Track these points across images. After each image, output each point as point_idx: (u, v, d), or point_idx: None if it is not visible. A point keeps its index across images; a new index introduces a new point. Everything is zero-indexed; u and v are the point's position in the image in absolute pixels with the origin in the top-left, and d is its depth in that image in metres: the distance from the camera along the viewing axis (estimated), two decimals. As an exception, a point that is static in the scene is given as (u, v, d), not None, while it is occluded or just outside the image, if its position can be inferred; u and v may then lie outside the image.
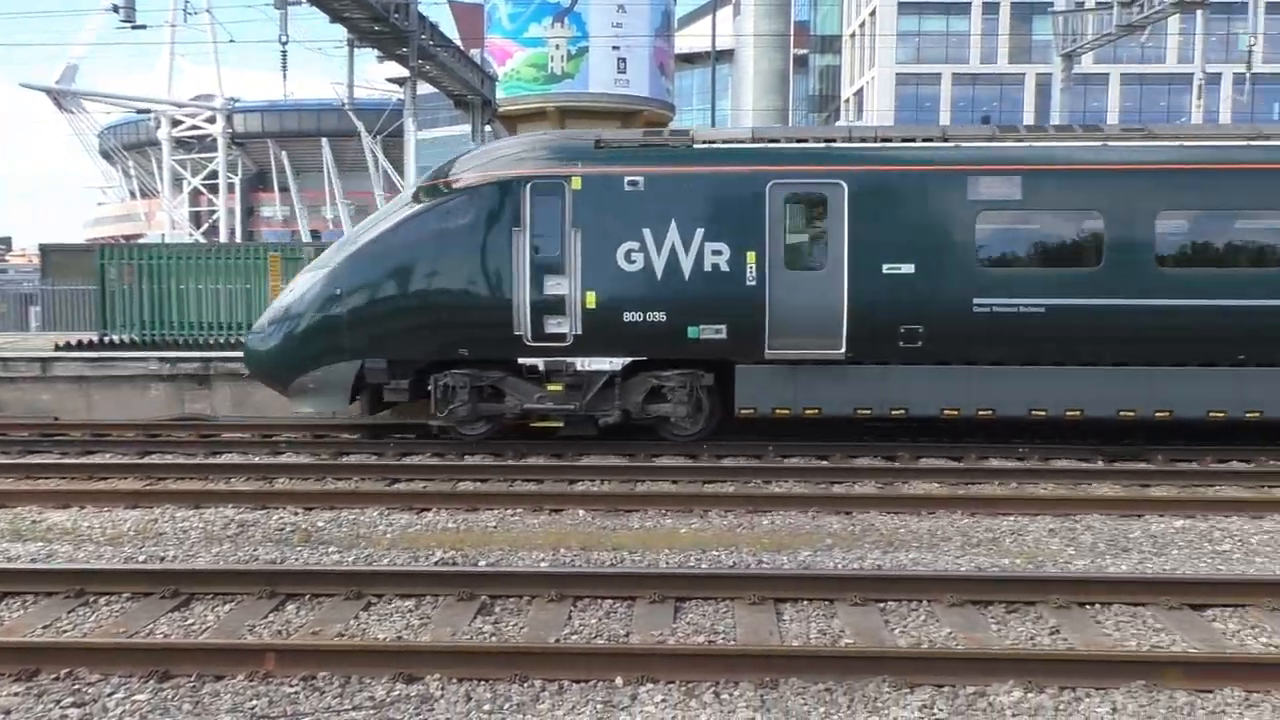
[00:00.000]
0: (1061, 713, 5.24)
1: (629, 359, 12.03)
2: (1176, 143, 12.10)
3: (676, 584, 7.02)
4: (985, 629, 6.46)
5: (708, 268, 11.76)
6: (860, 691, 5.47)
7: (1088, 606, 6.81)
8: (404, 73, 25.40)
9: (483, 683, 5.61)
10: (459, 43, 31.97)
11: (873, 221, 11.71)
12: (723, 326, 11.79)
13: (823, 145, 12.25)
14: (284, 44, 21.61)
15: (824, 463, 11.76)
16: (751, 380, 12.00)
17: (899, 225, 11.73)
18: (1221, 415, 11.70)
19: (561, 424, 12.65)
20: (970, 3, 58.64)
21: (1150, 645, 6.23)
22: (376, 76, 67.40)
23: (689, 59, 66.90)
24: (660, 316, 11.77)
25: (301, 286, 12.37)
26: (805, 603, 6.88)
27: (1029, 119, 58.49)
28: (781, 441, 12.40)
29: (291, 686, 5.59)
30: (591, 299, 11.77)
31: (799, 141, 12.38)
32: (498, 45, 40.75)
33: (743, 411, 12.08)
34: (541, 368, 12.05)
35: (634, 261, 11.79)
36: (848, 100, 67.03)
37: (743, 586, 6.97)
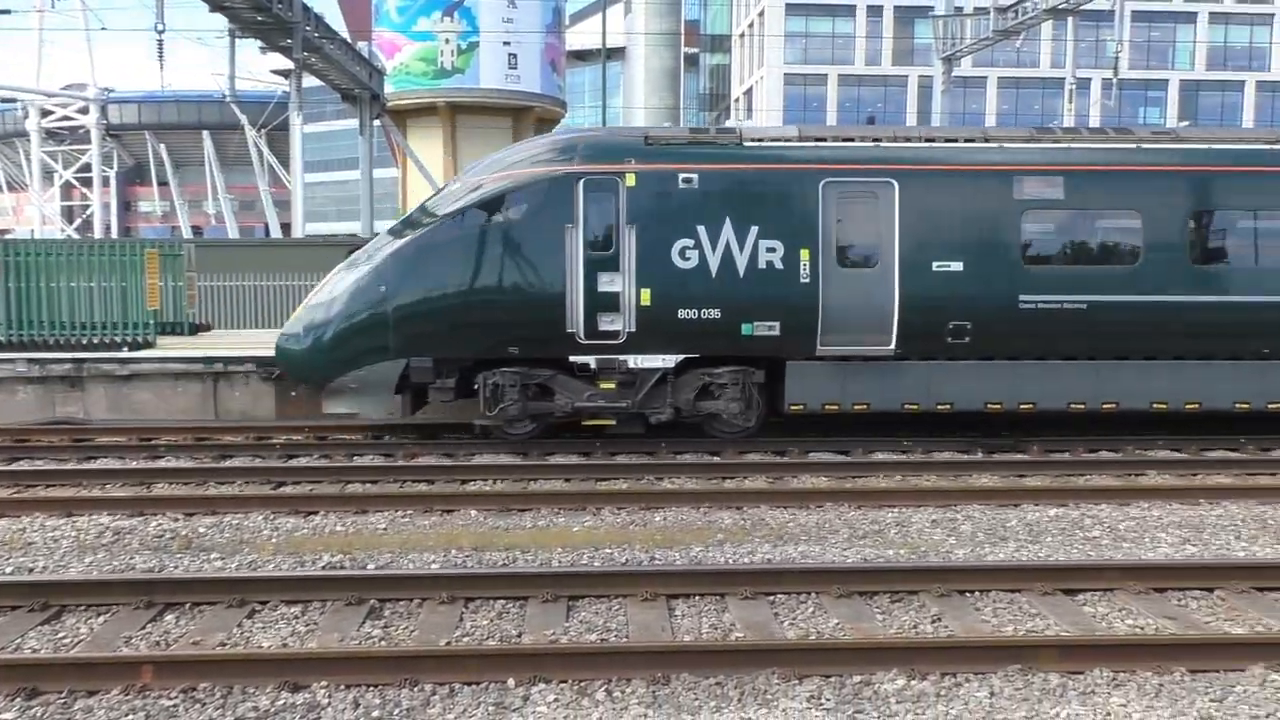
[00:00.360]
0: (942, 698, 5.41)
1: (681, 356, 11.97)
2: (1205, 145, 12.48)
3: (569, 583, 7.02)
4: (871, 619, 6.62)
5: (762, 265, 11.75)
6: (750, 684, 5.55)
7: (968, 594, 7.04)
8: (289, 64, 24.76)
9: (372, 689, 5.52)
10: (346, 35, 31.32)
11: (922, 220, 11.88)
12: (776, 323, 11.80)
13: (874, 145, 12.32)
14: (160, 32, 20.87)
15: (715, 459, 11.89)
16: (803, 377, 12.04)
17: (948, 224, 11.92)
18: (1246, 406, 12.23)
19: (613, 422, 12.53)
20: (855, 5, 59.90)
21: (1026, 630, 6.47)
22: (261, 68, 65.67)
23: (580, 56, 66.77)
24: (715, 314, 11.72)
25: (342, 284, 11.99)
26: (697, 598, 6.95)
27: (911, 120, 60.15)
28: (676, 438, 12.50)
29: (170, 699, 5.40)
30: (646, 296, 11.67)
31: (848, 141, 12.41)
32: (386, 38, 40.07)
33: (792, 408, 12.13)
34: (593, 365, 11.93)
35: (688, 259, 11.72)
36: (738, 99, 67.84)
37: (635, 584, 7.01)
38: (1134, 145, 12.43)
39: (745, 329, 11.78)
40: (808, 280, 11.80)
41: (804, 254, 11.79)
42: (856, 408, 12.16)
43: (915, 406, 12.14)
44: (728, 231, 11.72)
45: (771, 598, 6.94)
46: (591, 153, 11.91)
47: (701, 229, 11.72)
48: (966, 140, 12.56)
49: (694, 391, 12.16)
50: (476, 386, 11.99)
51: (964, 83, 57.04)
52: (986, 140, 12.50)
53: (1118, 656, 5.80)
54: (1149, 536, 8.67)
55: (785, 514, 9.38)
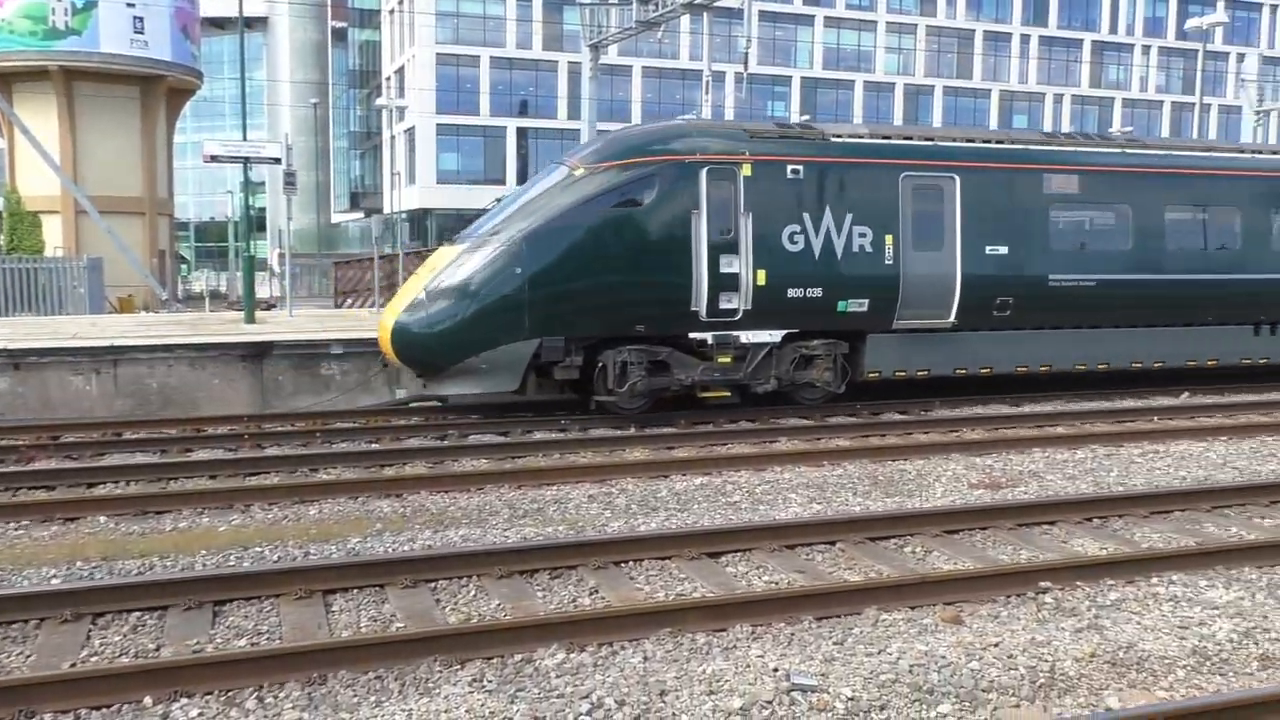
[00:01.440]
0: (600, 667, 5.60)
1: (785, 331, 13.13)
2: (1180, 152, 15.54)
3: (213, 587, 6.58)
4: (532, 597, 6.73)
5: (855, 249, 13.21)
6: (412, 674, 5.47)
7: (623, 565, 7.33)
8: None
9: (-21, 726, 4.90)
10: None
11: (978, 209, 13.80)
12: (865, 300, 13.29)
13: (939, 144, 14.12)
14: None
15: (374, 446, 11.60)
16: (881, 348, 13.63)
17: (997, 213, 13.92)
18: (1249, 361, 15.58)
19: (728, 393, 13.51)
20: (506, -12, 60.19)
21: (675, 594, 6.84)
22: None
23: (218, 24, 62.41)
24: (817, 292, 13.03)
25: (470, 267, 12.23)
26: (355, 591, 6.76)
27: (563, 106, 61.45)
28: (328, 425, 12.06)
29: None
30: (762, 277, 12.74)
31: (915, 139, 14.19)
32: (-20, -11, 35.40)
33: (870, 375, 13.69)
34: (710, 341, 12.81)
35: (796, 243, 12.92)
36: (389, 78, 66.20)
37: (288, 581, 6.69)
38: (1119, 150, 15.13)
39: (840, 306, 13.23)
40: (891, 261, 13.41)
41: (888, 238, 13.39)
42: (920, 374, 13.99)
43: (964, 371, 14.22)
44: (828, 219, 13.09)
45: (433, 584, 6.88)
46: (711, 143, 12.84)
47: (806, 216, 13.02)
48: (1002, 142, 14.66)
49: (792, 363, 13.37)
50: (601, 364, 12.56)
51: (611, 70, 58.99)
52: (1014, 143, 14.68)
53: (756, 611, 6.27)
54: (781, 498, 9.43)
55: (446, 499, 9.33)
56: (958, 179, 13.83)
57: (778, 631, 6.12)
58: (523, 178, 63.99)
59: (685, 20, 38.05)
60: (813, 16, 66.64)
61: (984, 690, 5.31)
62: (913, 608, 6.49)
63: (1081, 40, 72.41)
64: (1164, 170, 15.12)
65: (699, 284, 12.59)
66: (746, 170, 12.78)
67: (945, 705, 5.16)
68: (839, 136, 13.70)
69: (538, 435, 12.21)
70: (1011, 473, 10.50)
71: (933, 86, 69.91)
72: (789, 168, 13.02)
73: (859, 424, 13.04)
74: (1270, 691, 5.05)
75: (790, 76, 66.91)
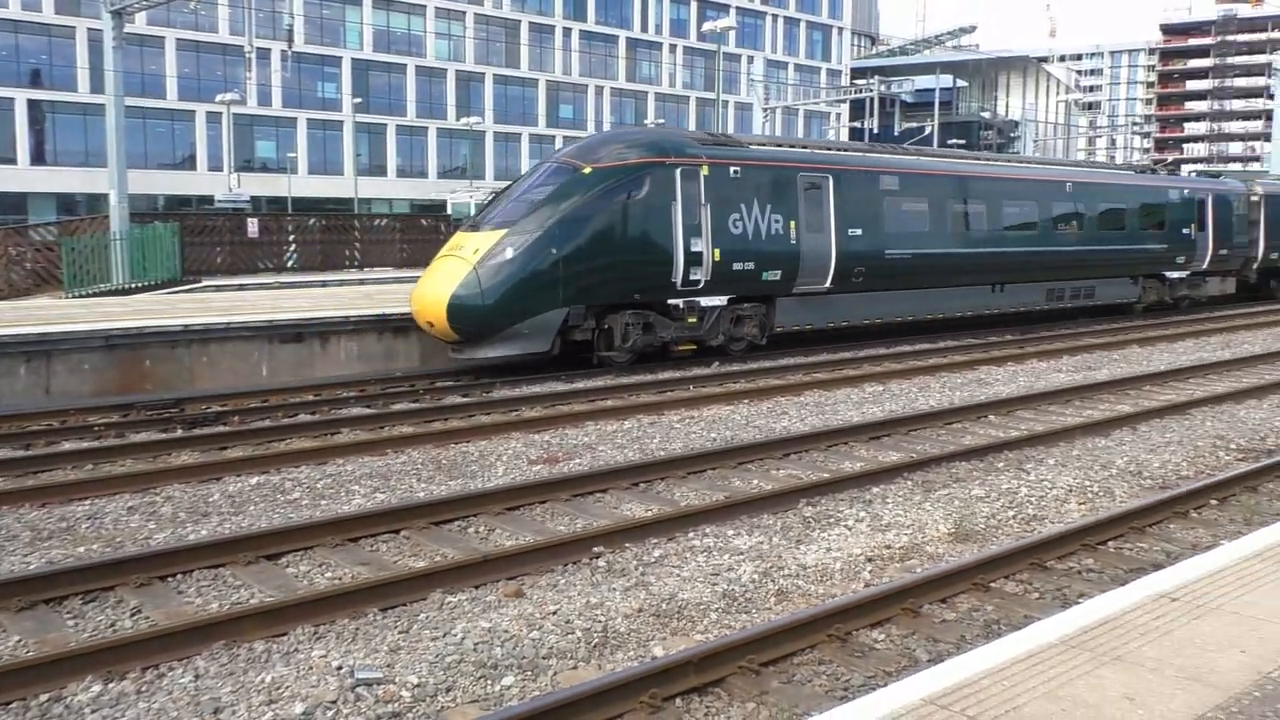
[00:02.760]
0: (144, 694, 5.17)
1: (729, 296, 16.67)
2: (954, 159, 22.02)
3: None
4: (62, 628, 6.05)
5: (773, 231, 16.93)
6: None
7: (169, 579, 6.81)
8: None
9: None
10: None
11: (843, 202, 17.97)
12: (779, 271, 17.12)
13: (818, 151, 18.98)
14: None
15: None
16: (786, 308, 17.73)
17: (854, 204, 18.19)
18: (997, 311, 21.73)
19: (695, 347, 17.03)
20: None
21: (232, 603, 6.47)
22: None
23: None
24: (750, 265, 16.66)
25: (514, 249, 14.64)
26: None
27: (83, 77, 55.34)
28: None
29: None
30: (717, 254, 16.06)
31: (804, 148, 19.39)
32: None
33: (778, 329, 17.77)
34: (682, 305, 16.14)
35: (737, 227, 16.42)
36: None
37: None
38: (921, 157, 20.86)
39: (764, 275, 16.97)
40: (794, 242, 17.31)
41: (792, 224, 17.28)
42: (809, 328, 18.42)
43: (833, 325, 18.68)
44: (756, 208, 16.69)
45: (-71, 628, 5.96)
46: (681, 148, 16.24)
47: (743, 206, 16.54)
48: (853, 151, 19.91)
49: (731, 321, 17.01)
50: (608, 326, 15.66)
51: (141, 41, 54.07)
52: (859, 151, 19.97)
53: (318, 611, 6.10)
54: (344, 490, 9.22)
55: (-51, 527, 8.09)
56: (830, 178, 17.92)
57: (341, 628, 6.00)
58: (40, 156, 56.88)
59: (222, -9, 35.66)
60: (360, -3, 65.35)
61: (544, 658, 5.58)
62: (477, 587, 6.64)
63: (618, 36, 77.40)
64: (946, 173, 20.52)
65: (677, 260, 15.88)
66: (705, 170, 16.17)
67: (509, 678, 5.35)
68: (758, 145, 18.14)
69: (66, 445, 10.95)
70: (568, 446, 11.05)
71: (483, 74, 71.39)
72: (731, 169, 16.58)
73: (422, 409, 13.06)
74: (784, 622, 5.77)
75: (340, 57, 65.23)
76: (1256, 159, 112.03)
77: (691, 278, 16.00)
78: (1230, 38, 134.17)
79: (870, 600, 6.16)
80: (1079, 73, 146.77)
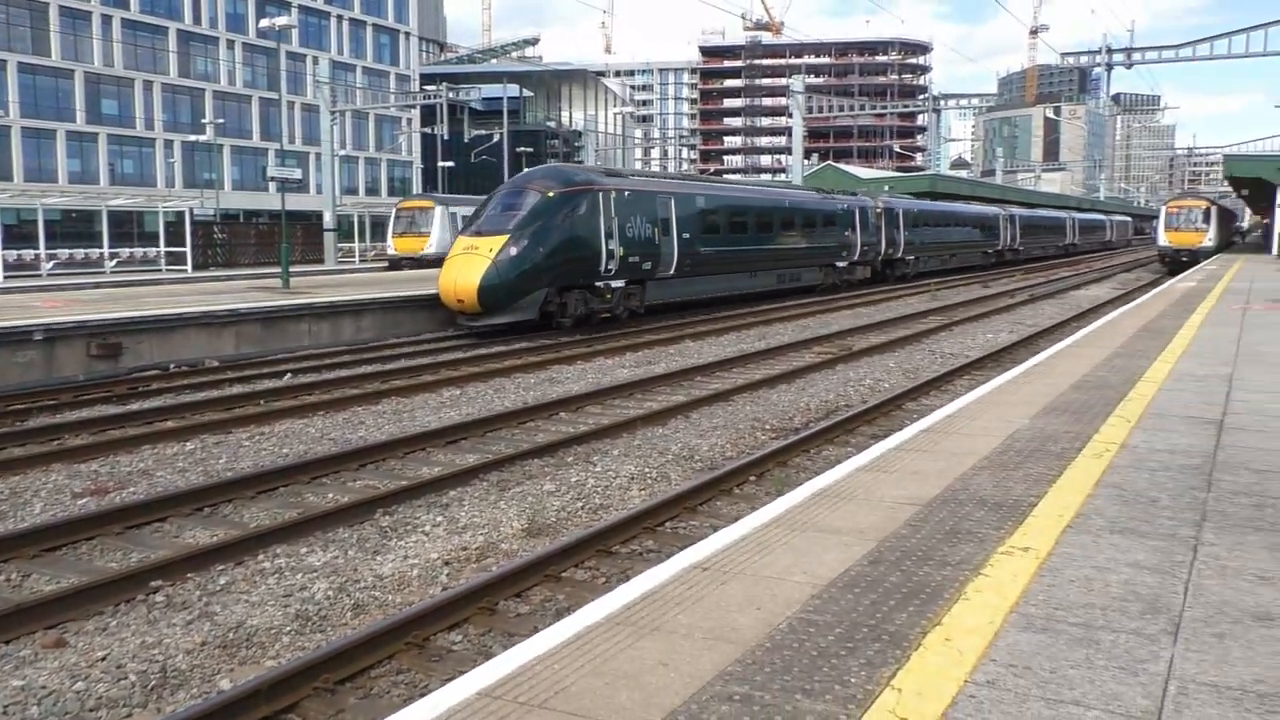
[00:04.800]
0: None
1: (626, 280, 23.87)
2: (742, 185, 33.65)
3: None
4: None
5: (648, 235, 24.29)
6: None
7: None
8: None
9: None
10: None
11: (680, 214, 25.57)
12: (651, 263, 24.52)
13: (665, 180, 27.79)
14: None
15: None
16: (654, 288, 25.16)
17: (685, 217, 25.81)
18: (774, 287, 31.30)
19: (609, 314, 23.68)
20: None
21: None
22: None
23: None
24: (637, 258, 23.95)
25: (519, 247, 21.25)
26: None
27: None
28: None
29: None
30: (621, 251, 23.25)
31: (666, 179, 28.93)
32: None
33: (649, 302, 24.98)
34: (601, 286, 23.16)
35: (630, 233, 23.64)
36: None
37: None
38: (721, 183, 32.36)
39: (644, 266, 24.23)
40: (659, 242, 24.65)
41: (657, 229, 24.60)
42: (662, 302, 25.54)
43: (678, 300, 26.25)
44: (639, 218, 23.92)
45: None
46: (602, 180, 23.65)
47: (632, 218, 23.69)
48: (685, 179, 31.55)
49: (625, 298, 24.00)
50: (564, 301, 22.39)
51: None
52: (687, 179, 31.77)
53: None
54: None
55: None
56: (673, 199, 25.56)
57: None
58: None
59: None
60: None
61: (91, 711, 5.11)
62: (8, 642, 5.93)
63: (167, 28, 71.71)
64: (733, 195, 29.51)
65: (603, 254, 22.64)
66: (614, 194, 23.20)
67: (49, 737, 4.84)
68: (636, 176, 26.28)
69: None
70: (120, 475, 10.13)
71: (5, 61, 63.15)
72: (626, 193, 23.75)
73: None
74: (359, 636, 5.72)
75: None
76: (783, 170, 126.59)
77: (608, 267, 22.99)
78: (756, 61, 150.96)
79: (447, 603, 6.26)
80: (633, 87, 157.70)
